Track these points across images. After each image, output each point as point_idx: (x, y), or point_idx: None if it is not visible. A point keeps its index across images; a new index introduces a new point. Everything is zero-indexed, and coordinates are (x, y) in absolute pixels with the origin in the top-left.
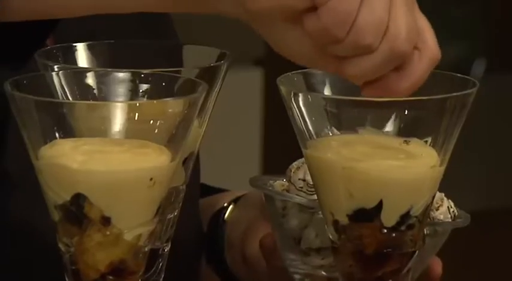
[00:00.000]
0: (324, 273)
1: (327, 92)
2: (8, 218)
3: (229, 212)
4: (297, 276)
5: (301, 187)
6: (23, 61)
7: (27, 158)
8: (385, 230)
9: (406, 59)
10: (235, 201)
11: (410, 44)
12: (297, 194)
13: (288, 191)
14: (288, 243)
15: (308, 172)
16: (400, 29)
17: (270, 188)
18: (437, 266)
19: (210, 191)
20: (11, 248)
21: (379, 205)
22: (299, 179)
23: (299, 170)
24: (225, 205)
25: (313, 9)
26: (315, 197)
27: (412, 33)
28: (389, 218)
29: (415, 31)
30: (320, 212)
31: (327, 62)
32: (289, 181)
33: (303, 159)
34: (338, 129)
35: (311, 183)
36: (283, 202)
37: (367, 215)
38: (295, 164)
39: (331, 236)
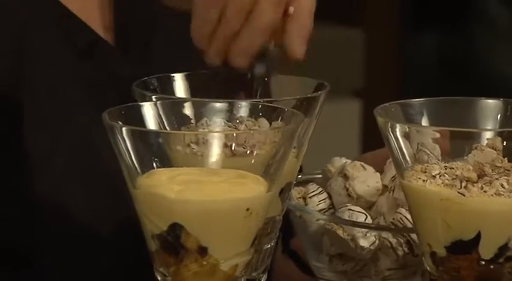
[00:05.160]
0: None
1: (424, 122)
2: (33, 200)
3: None
4: None
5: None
6: None
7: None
8: (483, 262)
9: None
10: None
11: None
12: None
13: (304, 198)
14: (311, 249)
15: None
16: None
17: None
18: None
19: None
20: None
21: (478, 237)
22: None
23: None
24: None
25: None
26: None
27: None
28: (487, 250)
29: None
30: (329, 224)
31: None
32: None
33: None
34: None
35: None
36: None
37: (465, 247)
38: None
39: (428, 268)
